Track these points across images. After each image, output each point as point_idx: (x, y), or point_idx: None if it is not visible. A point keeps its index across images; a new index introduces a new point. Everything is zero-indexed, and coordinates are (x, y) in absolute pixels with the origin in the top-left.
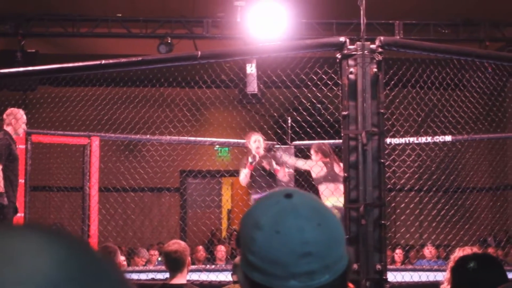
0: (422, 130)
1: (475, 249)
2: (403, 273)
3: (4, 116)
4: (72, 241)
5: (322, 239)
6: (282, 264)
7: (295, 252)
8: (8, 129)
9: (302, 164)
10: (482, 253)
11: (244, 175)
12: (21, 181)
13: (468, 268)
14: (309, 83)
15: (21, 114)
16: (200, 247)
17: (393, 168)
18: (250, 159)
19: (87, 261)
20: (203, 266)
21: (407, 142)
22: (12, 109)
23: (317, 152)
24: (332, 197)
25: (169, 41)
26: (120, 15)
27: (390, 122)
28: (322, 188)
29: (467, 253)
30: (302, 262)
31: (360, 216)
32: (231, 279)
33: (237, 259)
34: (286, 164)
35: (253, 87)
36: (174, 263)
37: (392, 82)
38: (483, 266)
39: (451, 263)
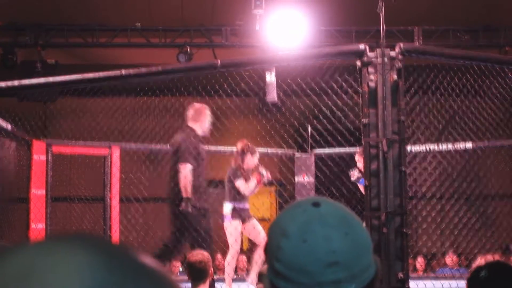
0: (443, 137)
1: (497, 257)
2: (425, 281)
3: (191, 112)
4: (111, 248)
5: (349, 248)
6: (308, 272)
7: (322, 261)
8: (195, 126)
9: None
10: (496, 261)
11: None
12: (42, 192)
13: (480, 277)
14: (329, 91)
15: (208, 110)
16: (219, 256)
17: (414, 176)
18: (264, 173)
19: (128, 267)
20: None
21: (428, 149)
22: (199, 105)
23: None
24: None
25: (188, 50)
26: (139, 24)
27: (410, 130)
28: None
29: (489, 261)
30: (328, 271)
31: (381, 224)
32: None
33: (263, 268)
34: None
35: (272, 95)
36: (198, 273)
37: (412, 89)
38: (494, 274)
39: None
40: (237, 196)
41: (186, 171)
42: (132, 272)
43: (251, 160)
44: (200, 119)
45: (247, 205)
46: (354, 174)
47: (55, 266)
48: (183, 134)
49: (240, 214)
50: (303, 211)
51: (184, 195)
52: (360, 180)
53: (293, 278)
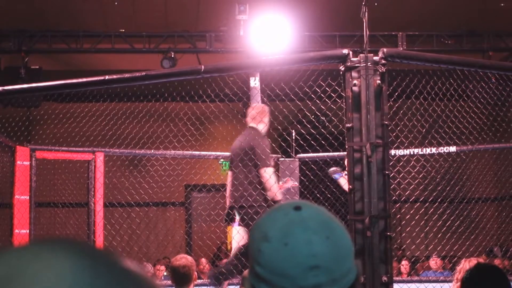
0: (427, 141)
1: (481, 260)
2: (409, 284)
3: (253, 112)
4: (94, 253)
5: (330, 252)
6: (289, 276)
7: (303, 265)
8: (259, 126)
9: None
10: (481, 264)
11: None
12: (26, 197)
13: (462, 278)
14: (312, 95)
15: (268, 109)
16: (204, 260)
17: (398, 179)
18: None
19: (112, 272)
20: (208, 280)
21: (412, 153)
22: (259, 105)
23: None
24: None
25: (172, 56)
26: (123, 30)
27: (394, 134)
28: None
29: (473, 264)
30: (309, 275)
31: (365, 228)
32: None
33: (246, 272)
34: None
35: (256, 100)
36: (182, 278)
37: (396, 94)
38: (476, 275)
39: (457, 274)
40: None
41: (270, 174)
42: (116, 276)
43: None
44: (262, 119)
45: None
46: (333, 169)
47: (39, 271)
48: (252, 137)
49: None
50: (284, 214)
51: (277, 198)
52: (336, 174)
53: (274, 282)
